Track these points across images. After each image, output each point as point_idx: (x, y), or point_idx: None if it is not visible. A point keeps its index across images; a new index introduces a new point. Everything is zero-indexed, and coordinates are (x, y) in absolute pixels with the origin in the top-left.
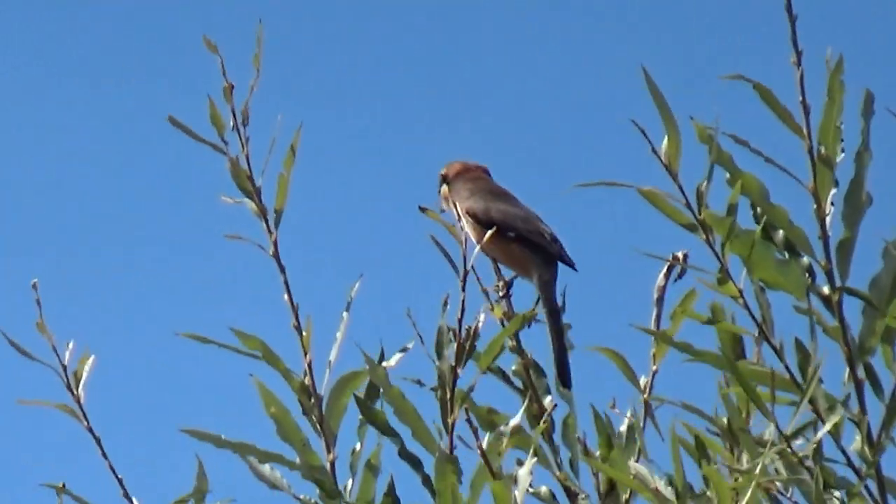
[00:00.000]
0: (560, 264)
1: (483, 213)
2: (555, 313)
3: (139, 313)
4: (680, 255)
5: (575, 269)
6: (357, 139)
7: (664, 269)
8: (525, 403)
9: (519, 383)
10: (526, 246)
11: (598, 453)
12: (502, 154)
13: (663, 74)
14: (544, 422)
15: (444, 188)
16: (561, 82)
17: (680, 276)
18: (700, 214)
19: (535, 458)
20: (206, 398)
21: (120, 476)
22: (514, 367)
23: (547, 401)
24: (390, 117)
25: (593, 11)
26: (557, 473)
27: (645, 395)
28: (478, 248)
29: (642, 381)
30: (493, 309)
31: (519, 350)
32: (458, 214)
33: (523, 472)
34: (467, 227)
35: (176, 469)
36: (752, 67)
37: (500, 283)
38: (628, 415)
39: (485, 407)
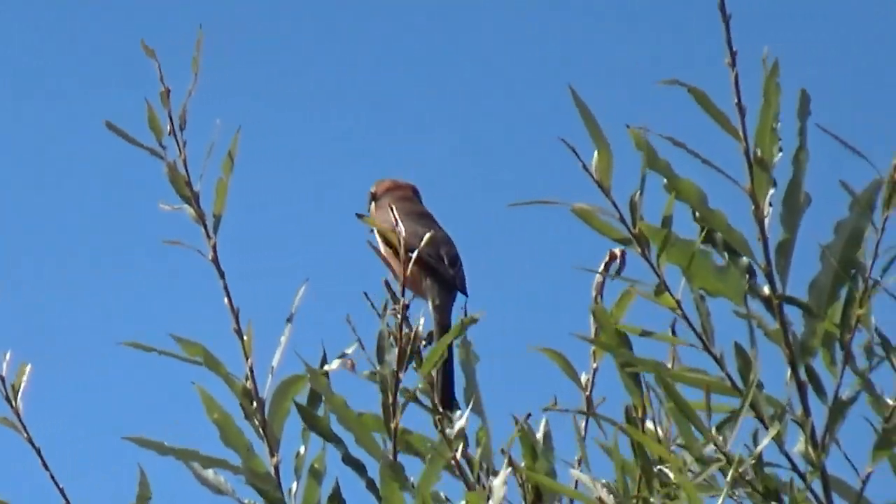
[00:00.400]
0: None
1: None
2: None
3: (78, 321)
4: (617, 251)
5: (466, 295)
6: (302, 142)
7: (601, 268)
8: (468, 411)
9: (427, 402)
10: (423, 268)
11: (522, 464)
12: (441, 170)
13: (603, 84)
14: (457, 436)
15: (372, 206)
16: (502, 98)
17: (618, 273)
18: (634, 227)
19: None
20: (149, 405)
21: (62, 486)
22: (419, 386)
23: (457, 415)
24: (334, 120)
25: (533, 22)
26: (477, 488)
27: (587, 393)
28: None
29: (583, 377)
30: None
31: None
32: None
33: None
34: (380, 244)
35: (119, 478)
36: (698, 72)
37: (397, 306)
38: (543, 421)
39: (399, 428)
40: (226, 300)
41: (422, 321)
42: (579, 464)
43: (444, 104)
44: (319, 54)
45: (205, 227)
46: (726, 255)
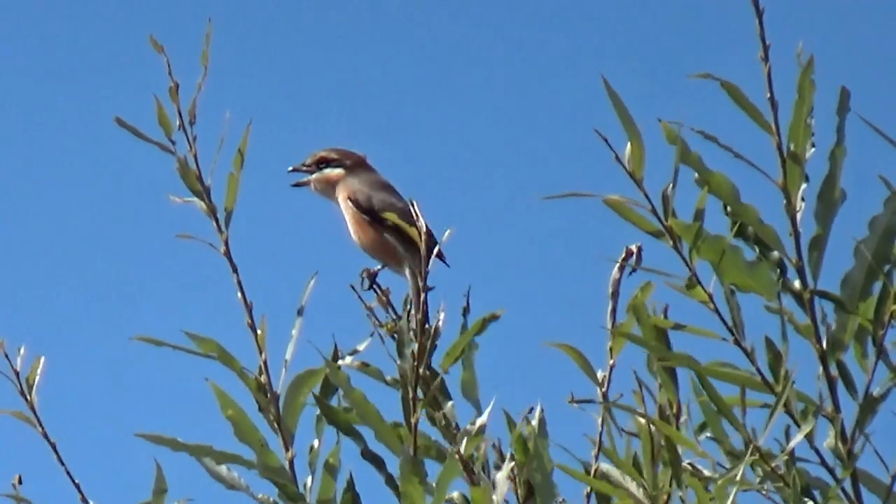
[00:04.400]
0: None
1: (365, 201)
2: (421, 301)
3: (92, 316)
4: (633, 248)
5: (447, 265)
6: (311, 134)
7: (618, 263)
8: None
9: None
10: (401, 235)
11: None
12: (470, 163)
13: (636, 75)
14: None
15: (330, 171)
16: (536, 91)
17: (634, 269)
18: (667, 220)
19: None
20: (164, 400)
21: (77, 481)
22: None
23: (448, 406)
24: (345, 113)
25: (561, 16)
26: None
27: (603, 389)
28: (356, 236)
29: (599, 375)
30: (381, 325)
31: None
32: (338, 199)
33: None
34: (346, 213)
35: (133, 472)
36: (730, 67)
37: (365, 273)
38: (538, 409)
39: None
40: (239, 295)
41: (441, 316)
42: (596, 458)
43: (473, 96)
44: (331, 45)
45: (216, 221)
46: (757, 249)
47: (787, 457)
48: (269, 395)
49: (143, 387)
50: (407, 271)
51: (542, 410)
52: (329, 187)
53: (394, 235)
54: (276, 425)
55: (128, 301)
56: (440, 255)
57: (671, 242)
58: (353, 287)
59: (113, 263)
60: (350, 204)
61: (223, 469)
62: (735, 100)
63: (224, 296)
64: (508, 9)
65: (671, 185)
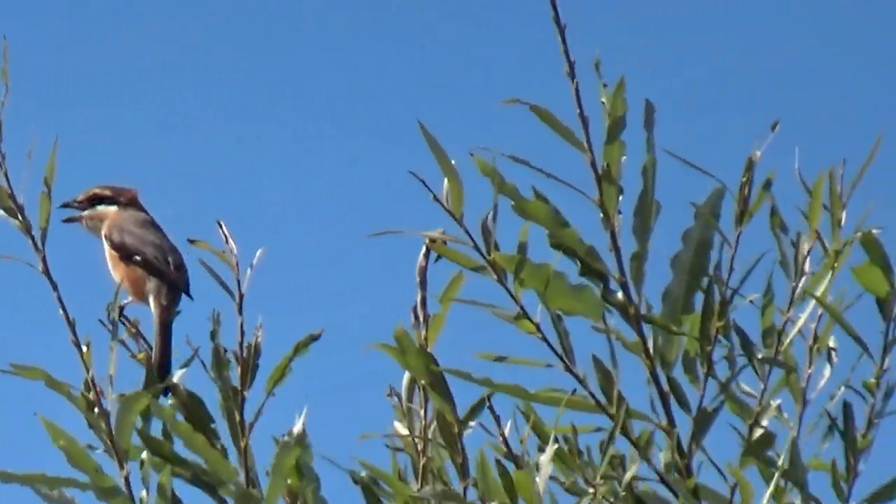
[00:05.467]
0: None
1: (118, 238)
2: (165, 332)
3: None
4: (436, 234)
5: (191, 298)
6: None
7: (423, 251)
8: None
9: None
10: (148, 271)
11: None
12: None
13: (455, 103)
14: None
15: (104, 209)
16: (360, 128)
17: (439, 257)
18: (489, 255)
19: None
20: None
21: None
22: None
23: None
24: (170, 122)
25: (384, 49)
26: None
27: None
28: (111, 272)
29: None
30: (133, 356)
31: None
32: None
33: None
34: (105, 248)
35: None
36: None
37: (113, 305)
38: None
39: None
40: (60, 312)
41: (259, 334)
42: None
43: (305, 135)
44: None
45: (32, 239)
46: (580, 266)
47: (624, 492)
48: (98, 412)
49: None
50: (152, 301)
51: (306, 412)
52: (100, 224)
53: (145, 270)
54: (109, 443)
55: None
56: (186, 290)
57: (495, 277)
58: (101, 321)
59: None
60: (105, 241)
61: (55, 492)
62: (545, 122)
63: (52, 314)
64: (329, 50)
65: (490, 217)
